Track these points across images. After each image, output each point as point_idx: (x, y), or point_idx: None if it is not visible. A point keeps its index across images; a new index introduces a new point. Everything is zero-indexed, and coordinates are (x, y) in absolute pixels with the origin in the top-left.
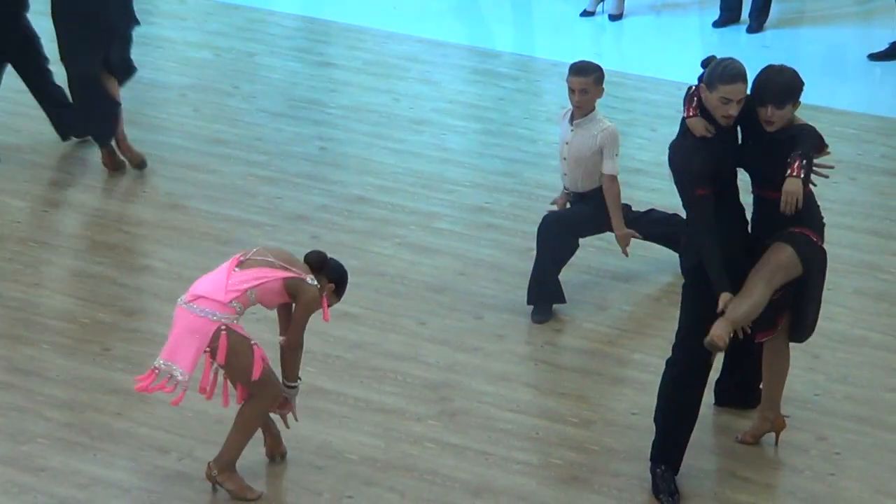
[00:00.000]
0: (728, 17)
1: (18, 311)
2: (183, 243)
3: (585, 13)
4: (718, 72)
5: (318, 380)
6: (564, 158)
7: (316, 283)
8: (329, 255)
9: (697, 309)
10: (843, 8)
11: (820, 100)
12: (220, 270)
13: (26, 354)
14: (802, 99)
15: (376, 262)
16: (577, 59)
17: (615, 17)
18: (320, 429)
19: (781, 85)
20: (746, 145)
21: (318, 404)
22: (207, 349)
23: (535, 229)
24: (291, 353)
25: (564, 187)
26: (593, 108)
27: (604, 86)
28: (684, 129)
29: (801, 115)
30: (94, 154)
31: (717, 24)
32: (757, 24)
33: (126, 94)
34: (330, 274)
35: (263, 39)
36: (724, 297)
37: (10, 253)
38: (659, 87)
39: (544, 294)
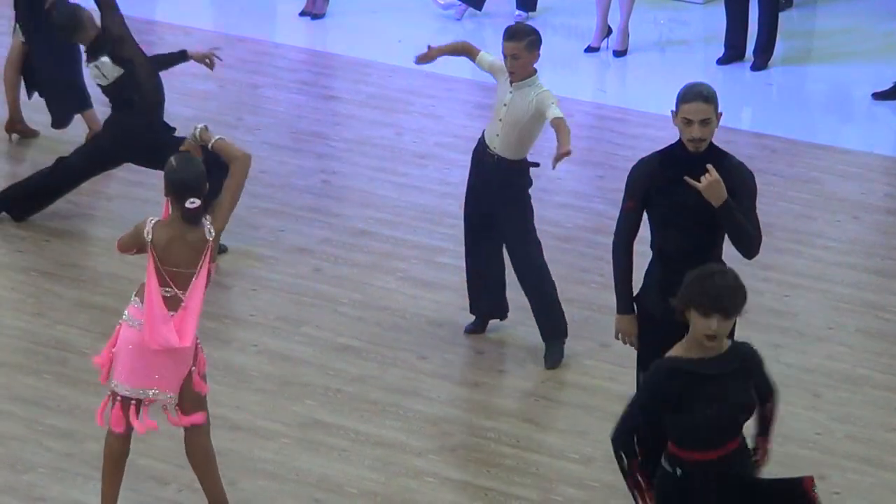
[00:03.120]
0: (732, 54)
1: (20, 340)
2: None
3: (590, 49)
4: (681, 92)
5: (318, 413)
6: (500, 120)
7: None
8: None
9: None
10: (847, 46)
11: (824, 138)
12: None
13: (27, 384)
14: (807, 137)
15: (378, 295)
16: (581, 95)
17: (619, 54)
18: (320, 462)
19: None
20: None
21: (318, 437)
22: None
23: None
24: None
25: (488, 148)
26: (532, 73)
27: (539, 51)
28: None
29: (806, 153)
30: (97, 183)
31: (721, 62)
32: (761, 62)
33: None
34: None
35: (268, 72)
36: (618, 319)
37: (11, 282)
38: (663, 123)
39: (554, 328)
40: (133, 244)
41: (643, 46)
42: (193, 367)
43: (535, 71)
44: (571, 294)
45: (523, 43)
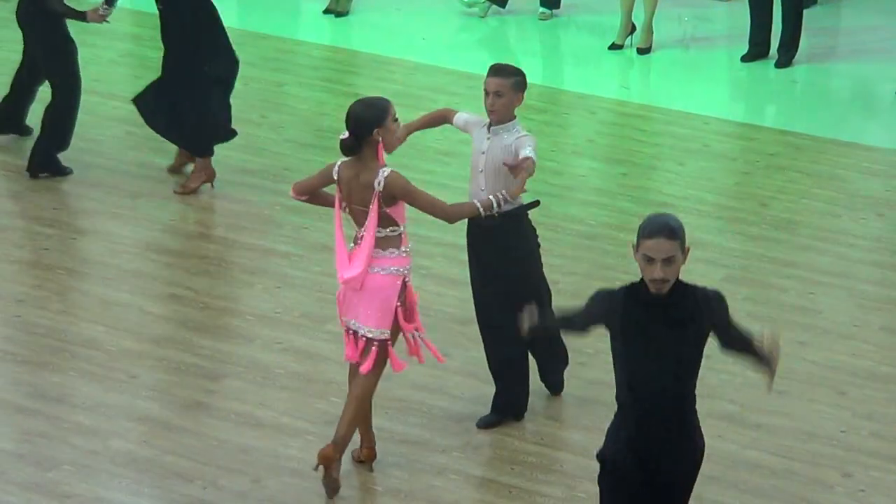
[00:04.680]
0: (757, 51)
1: (45, 337)
2: (209, 272)
3: (614, 46)
4: (643, 225)
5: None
6: (481, 171)
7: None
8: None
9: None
10: (872, 43)
11: (848, 135)
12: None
13: (53, 381)
14: (831, 134)
15: None
16: (605, 92)
17: (643, 51)
18: (344, 459)
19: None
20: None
21: None
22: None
23: (562, 262)
24: (458, 216)
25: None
26: (512, 118)
27: (524, 94)
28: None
29: (831, 150)
30: (123, 182)
31: (745, 59)
32: (786, 59)
33: None
34: (361, 129)
35: (292, 70)
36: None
37: (37, 280)
38: (687, 121)
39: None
40: (317, 184)
41: (667, 44)
42: (398, 303)
43: (515, 116)
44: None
45: (510, 81)
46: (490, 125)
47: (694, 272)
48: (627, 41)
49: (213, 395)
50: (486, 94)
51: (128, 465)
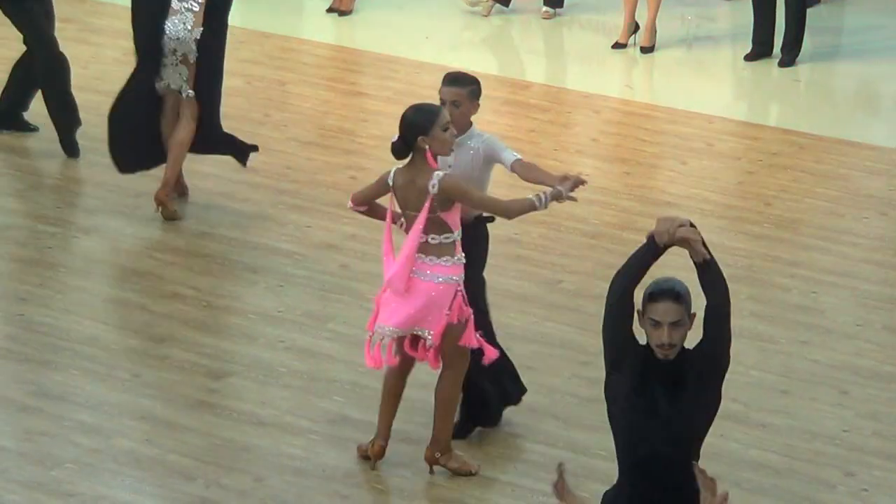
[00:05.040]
0: (760, 50)
1: (48, 336)
2: (212, 271)
3: (617, 45)
4: (649, 289)
5: (345, 409)
6: None
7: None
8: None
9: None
10: (875, 43)
11: (851, 135)
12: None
13: (55, 380)
14: (834, 133)
15: None
16: (608, 91)
17: (647, 50)
18: (347, 458)
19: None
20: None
21: (346, 433)
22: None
23: (565, 261)
24: (517, 212)
25: None
26: (469, 125)
27: (479, 103)
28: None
29: (834, 150)
30: (126, 180)
31: (748, 58)
32: (789, 58)
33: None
34: (408, 134)
35: (295, 68)
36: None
37: (40, 278)
38: (690, 120)
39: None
40: (374, 192)
41: (670, 43)
42: (447, 312)
43: (472, 123)
44: (598, 291)
45: (466, 90)
46: None
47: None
48: (631, 40)
49: (215, 394)
50: (443, 103)
51: (130, 464)
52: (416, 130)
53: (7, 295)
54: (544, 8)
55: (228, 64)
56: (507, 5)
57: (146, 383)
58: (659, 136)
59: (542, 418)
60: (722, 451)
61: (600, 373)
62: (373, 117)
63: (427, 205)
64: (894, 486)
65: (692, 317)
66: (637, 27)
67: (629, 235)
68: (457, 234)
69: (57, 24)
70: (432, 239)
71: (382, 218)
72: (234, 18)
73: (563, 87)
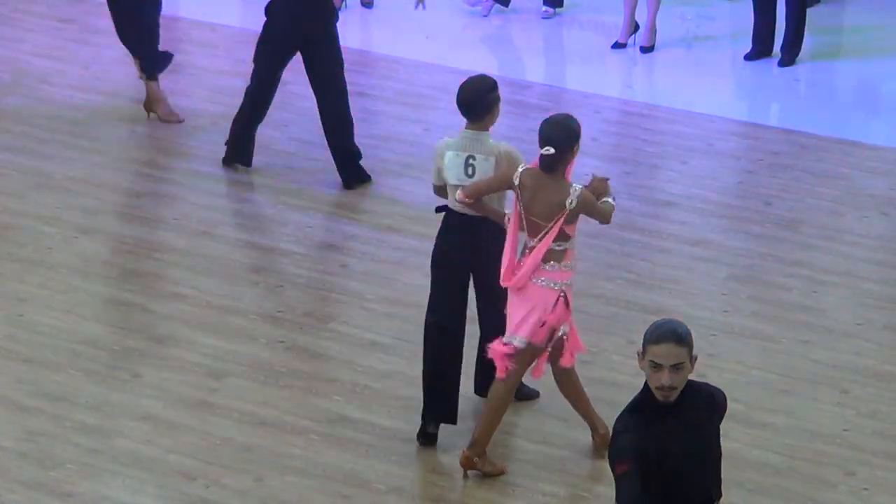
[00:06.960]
0: (760, 50)
1: (48, 336)
2: (213, 271)
3: (617, 45)
4: (649, 331)
5: (345, 409)
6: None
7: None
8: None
9: None
10: (876, 42)
11: (852, 134)
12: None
13: (56, 380)
14: (835, 133)
15: (406, 291)
16: (608, 91)
17: (647, 49)
18: (348, 458)
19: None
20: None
21: (346, 433)
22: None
23: None
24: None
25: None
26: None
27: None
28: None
29: (835, 149)
30: (125, 181)
31: (748, 57)
32: (789, 58)
33: (157, 122)
34: (570, 139)
35: (295, 68)
36: None
37: (40, 279)
38: (690, 119)
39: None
40: (489, 188)
41: (670, 42)
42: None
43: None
44: (599, 290)
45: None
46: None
47: (698, 271)
48: (631, 40)
49: (216, 394)
50: None
51: (131, 464)
52: (574, 139)
53: (7, 295)
54: (544, 7)
55: (228, 64)
56: (506, 5)
57: (146, 383)
58: (659, 136)
59: (542, 418)
60: (724, 450)
61: (600, 372)
62: (373, 117)
63: (562, 219)
64: (895, 485)
65: (694, 359)
66: (637, 27)
67: (629, 235)
68: (570, 243)
69: (57, 24)
70: (557, 246)
71: (484, 213)
72: (233, 19)
73: (564, 87)
